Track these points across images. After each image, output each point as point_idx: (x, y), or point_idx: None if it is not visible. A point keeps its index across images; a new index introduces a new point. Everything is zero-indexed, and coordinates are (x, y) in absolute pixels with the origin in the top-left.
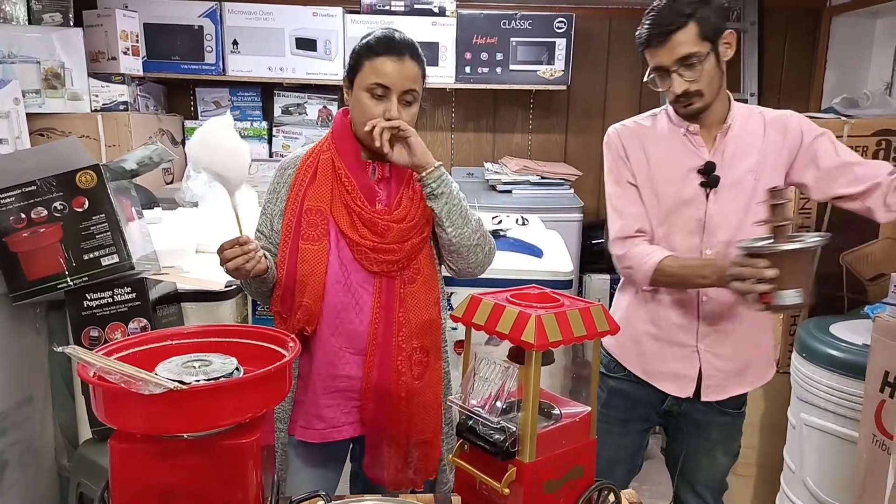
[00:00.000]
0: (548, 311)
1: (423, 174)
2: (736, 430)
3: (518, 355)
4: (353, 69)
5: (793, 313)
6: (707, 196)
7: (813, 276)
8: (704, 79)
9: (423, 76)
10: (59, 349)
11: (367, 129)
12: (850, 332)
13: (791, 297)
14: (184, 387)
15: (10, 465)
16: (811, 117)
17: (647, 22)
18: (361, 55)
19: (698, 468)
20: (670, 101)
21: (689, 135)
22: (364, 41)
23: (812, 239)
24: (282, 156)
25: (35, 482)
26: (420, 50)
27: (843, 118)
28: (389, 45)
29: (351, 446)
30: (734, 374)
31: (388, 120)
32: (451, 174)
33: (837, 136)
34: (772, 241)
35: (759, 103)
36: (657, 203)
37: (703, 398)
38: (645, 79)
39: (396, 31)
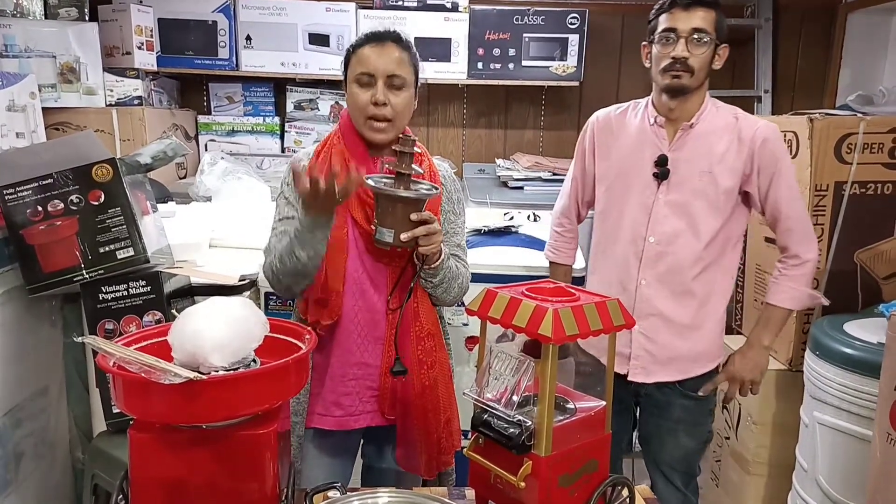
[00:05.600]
0: (564, 304)
1: (433, 265)
2: (700, 413)
3: (534, 349)
4: (345, 68)
5: (807, 311)
6: (658, 187)
7: (408, 222)
8: (701, 60)
9: (414, 65)
10: (79, 339)
11: (405, 238)
12: (864, 330)
13: (382, 233)
14: (203, 377)
15: (26, 456)
16: (826, 114)
17: None
18: (349, 52)
19: (662, 447)
20: (662, 68)
21: (656, 126)
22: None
23: (406, 193)
24: (293, 151)
25: (49, 473)
26: (407, 39)
27: (859, 115)
28: (371, 36)
29: (362, 441)
30: (663, 361)
31: (377, 104)
32: (462, 170)
33: (853, 134)
34: (391, 182)
35: (773, 100)
36: (617, 185)
37: (630, 377)
38: (645, 41)
39: (387, 27)
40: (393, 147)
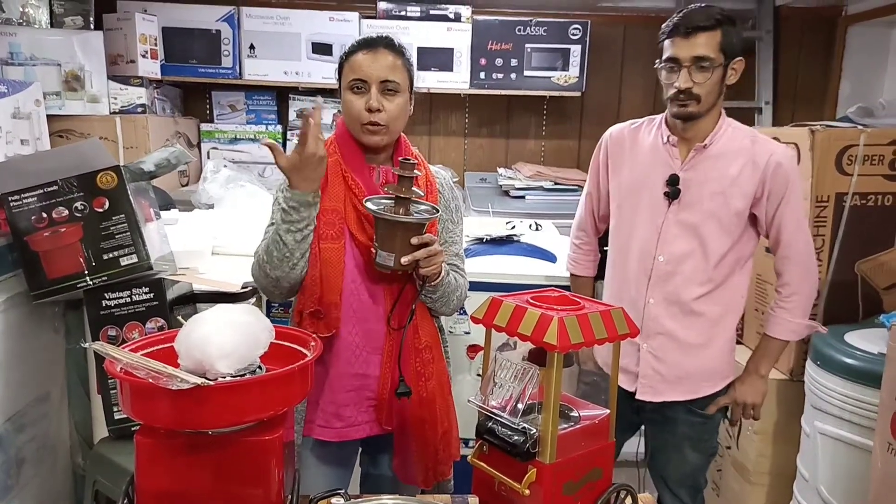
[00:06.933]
0: (569, 313)
1: (433, 283)
2: (706, 430)
3: (538, 357)
4: (339, 76)
5: None
6: (669, 206)
7: (408, 246)
8: (707, 87)
9: (408, 70)
10: (87, 345)
11: (405, 261)
12: (864, 340)
13: (382, 257)
14: (210, 383)
15: (27, 462)
16: (827, 126)
17: (678, 15)
18: (342, 60)
19: (668, 463)
20: (669, 97)
21: (668, 145)
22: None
23: (406, 218)
24: None
25: (50, 479)
26: (400, 45)
27: (860, 127)
28: (363, 43)
29: (360, 449)
30: (672, 380)
31: (371, 111)
32: (463, 179)
33: (854, 146)
34: (391, 206)
35: (774, 112)
36: (628, 203)
37: (638, 396)
38: (655, 65)
39: (379, 33)
40: (393, 170)
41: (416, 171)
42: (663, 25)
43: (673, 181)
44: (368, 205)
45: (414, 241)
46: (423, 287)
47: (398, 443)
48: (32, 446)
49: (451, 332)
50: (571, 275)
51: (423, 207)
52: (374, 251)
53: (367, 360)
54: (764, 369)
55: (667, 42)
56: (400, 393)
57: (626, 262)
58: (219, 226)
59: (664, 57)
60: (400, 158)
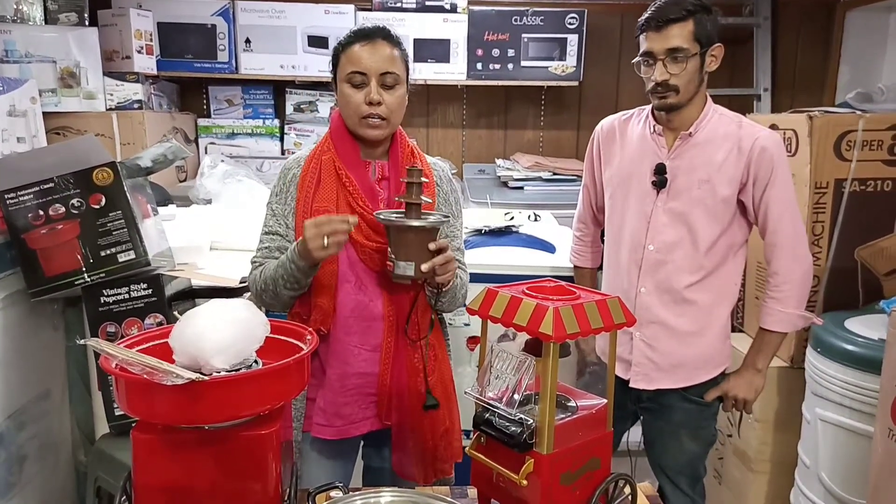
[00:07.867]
0: (565, 303)
1: (446, 289)
2: (703, 417)
3: (535, 348)
4: (334, 68)
5: (808, 308)
6: (657, 195)
7: (426, 252)
8: (684, 77)
9: (405, 61)
10: (82, 342)
11: (425, 268)
12: (865, 326)
13: (401, 267)
14: (205, 378)
15: (29, 459)
16: (826, 112)
17: (651, 9)
18: (338, 51)
19: (665, 452)
20: (648, 90)
21: (654, 135)
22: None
23: (420, 222)
24: (293, 153)
25: (52, 476)
26: (395, 35)
27: (858, 112)
28: (360, 34)
29: (362, 443)
30: (666, 368)
31: (371, 104)
32: (462, 171)
33: (852, 131)
34: (402, 215)
35: (773, 99)
36: (618, 193)
37: (631, 384)
38: (633, 60)
39: (373, 24)
40: (401, 179)
41: (423, 177)
42: (639, 20)
43: (660, 170)
44: (380, 216)
45: (431, 246)
46: (436, 295)
47: (397, 439)
48: (34, 444)
49: (450, 323)
50: (574, 266)
51: (432, 215)
52: (390, 265)
53: (367, 358)
54: (761, 363)
55: (642, 37)
56: (427, 406)
57: (619, 252)
58: (217, 221)
59: (640, 52)
60: (407, 167)
